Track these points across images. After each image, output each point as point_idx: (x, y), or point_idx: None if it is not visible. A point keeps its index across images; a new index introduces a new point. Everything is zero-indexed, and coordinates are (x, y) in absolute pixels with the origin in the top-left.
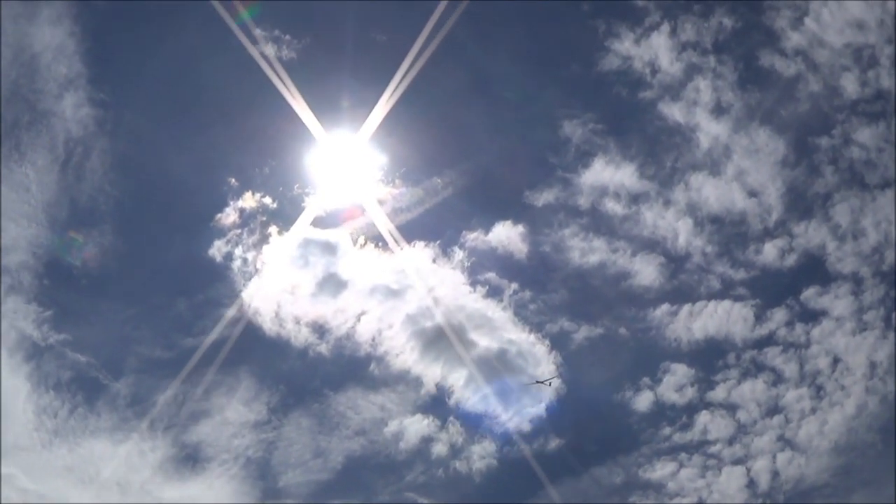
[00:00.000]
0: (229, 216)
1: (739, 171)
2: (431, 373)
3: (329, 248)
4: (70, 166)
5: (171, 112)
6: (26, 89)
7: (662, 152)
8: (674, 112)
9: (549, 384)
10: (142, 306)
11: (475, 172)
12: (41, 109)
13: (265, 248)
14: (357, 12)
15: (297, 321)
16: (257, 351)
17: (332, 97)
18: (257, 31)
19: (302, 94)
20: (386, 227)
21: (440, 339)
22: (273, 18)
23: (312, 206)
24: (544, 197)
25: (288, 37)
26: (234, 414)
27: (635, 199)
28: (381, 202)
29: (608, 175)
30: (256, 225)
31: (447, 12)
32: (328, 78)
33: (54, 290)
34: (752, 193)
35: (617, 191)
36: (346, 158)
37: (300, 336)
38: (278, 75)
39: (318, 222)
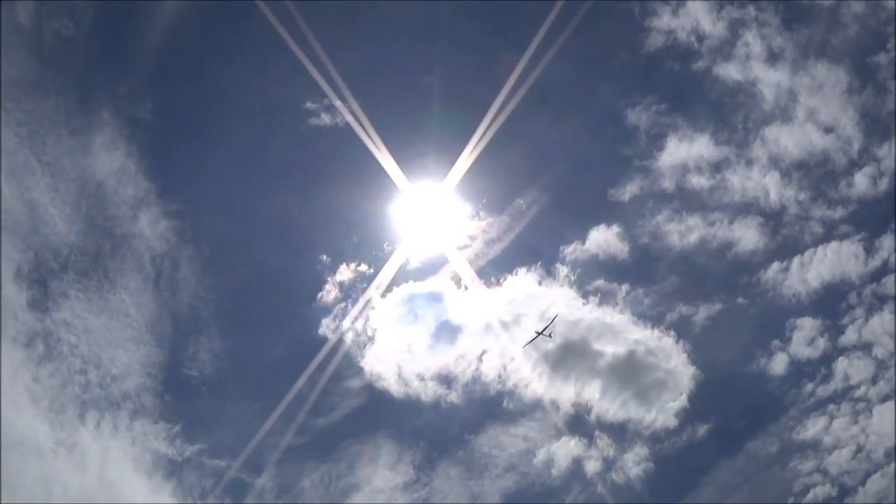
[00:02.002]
0: (330, 292)
1: (809, 111)
2: (565, 393)
3: (434, 298)
4: (162, 281)
5: (249, 205)
6: (100, 218)
7: (731, 114)
8: (730, 72)
9: (550, 335)
10: (266, 398)
11: (555, 185)
12: (120, 234)
13: (372, 313)
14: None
15: (421, 377)
16: (389, 415)
17: (405, 139)
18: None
19: (385, 144)
20: (484, 262)
21: (565, 357)
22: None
23: (408, 261)
24: (629, 190)
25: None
26: (381, 481)
27: (717, 166)
28: (472, 238)
29: (684, 151)
30: (358, 293)
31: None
32: (397, 118)
33: (177, 405)
34: (828, 129)
35: (697, 164)
36: (432, 203)
37: (428, 390)
38: (365, 132)
39: (418, 274)
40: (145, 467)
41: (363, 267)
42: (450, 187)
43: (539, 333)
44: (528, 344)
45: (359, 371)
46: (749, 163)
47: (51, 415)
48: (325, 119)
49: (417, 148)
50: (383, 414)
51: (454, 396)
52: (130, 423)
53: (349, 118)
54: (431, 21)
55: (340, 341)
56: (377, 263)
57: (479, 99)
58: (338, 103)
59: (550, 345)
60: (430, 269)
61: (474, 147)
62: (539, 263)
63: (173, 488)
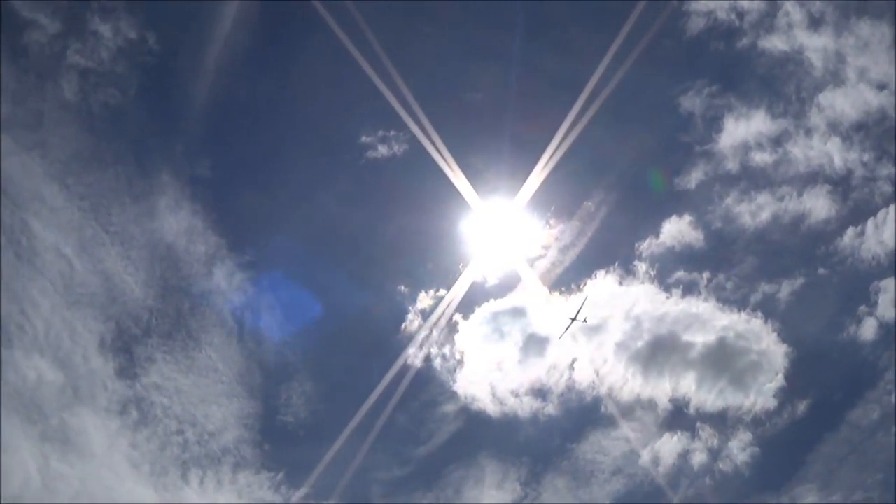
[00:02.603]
0: (413, 322)
1: (860, 70)
2: (661, 389)
3: (517, 312)
4: (245, 333)
5: (322, 245)
6: (175, 279)
7: (782, 85)
8: (775, 43)
9: (585, 319)
10: (364, 434)
11: (621, 183)
12: (197, 292)
13: (457, 336)
14: None
15: (515, 393)
16: (488, 435)
17: (472, 155)
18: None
19: (456, 162)
20: (562, 269)
21: (656, 353)
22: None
23: (486, 279)
24: (694, 177)
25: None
26: (490, 501)
27: (777, 140)
28: (546, 248)
29: (743, 129)
30: (441, 318)
31: None
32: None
33: (278, 452)
34: (881, 86)
35: (757, 140)
36: (503, 217)
37: (524, 406)
38: (436, 149)
39: (497, 291)
40: None
41: (442, 292)
42: (519, 198)
43: (573, 319)
44: (564, 333)
45: (452, 395)
46: (808, 132)
47: (153, 478)
48: (392, 146)
49: (483, 162)
50: (482, 434)
51: (551, 408)
52: (234, 477)
53: (422, 139)
54: (492, 37)
55: (430, 368)
56: (455, 286)
57: (543, 111)
58: (404, 128)
59: (640, 342)
60: (508, 284)
61: (548, 160)
62: (616, 264)
63: None
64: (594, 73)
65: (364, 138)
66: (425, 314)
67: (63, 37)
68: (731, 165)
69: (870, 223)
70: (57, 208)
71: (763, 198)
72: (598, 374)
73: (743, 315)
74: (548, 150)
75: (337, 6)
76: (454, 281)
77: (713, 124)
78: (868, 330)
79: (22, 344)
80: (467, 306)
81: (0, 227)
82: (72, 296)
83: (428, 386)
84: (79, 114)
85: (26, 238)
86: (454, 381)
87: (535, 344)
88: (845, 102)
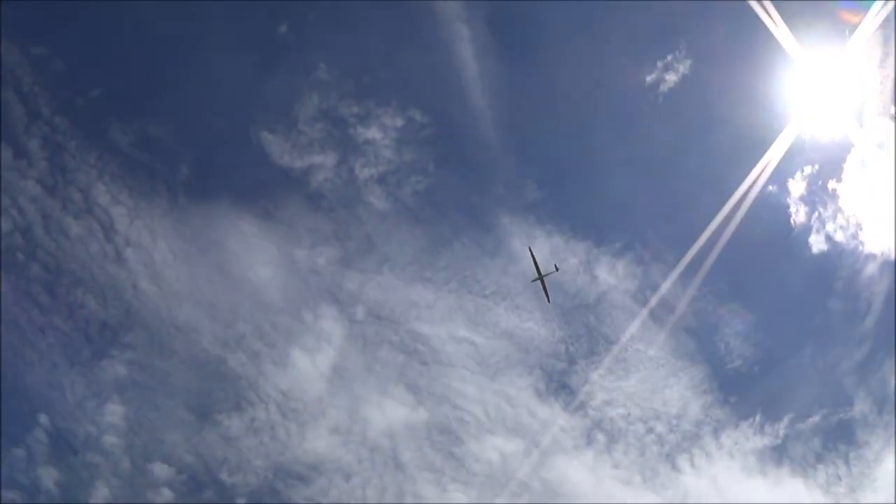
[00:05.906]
0: (798, 211)
1: None
2: None
3: (876, 149)
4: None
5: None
6: (569, 301)
7: None
8: None
9: (556, 267)
10: (812, 337)
11: None
12: (593, 301)
13: (841, 202)
14: None
15: None
16: None
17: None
18: None
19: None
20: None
21: None
22: None
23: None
24: None
25: None
26: None
27: None
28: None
29: None
30: (822, 194)
31: None
32: None
33: (744, 399)
34: None
35: None
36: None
37: None
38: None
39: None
40: None
41: (808, 169)
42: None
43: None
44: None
45: (868, 257)
46: None
47: (648, 484)
48: (676, 68)
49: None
50: None
51: None
52: (718, 442)
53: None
54: None
55: (835, 244)
56: (818, 154)
57: None
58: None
59: None
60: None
61: None
62: None
63: None
64: None
65: (648, 78)
66: (805, 199)
67: (345, 161)
68: None
69: None
70: (432, 305)
71: None
72: None
73: None
74: None
75: None
76: (814, 151)
77: None
78: None
79: (479, 433)
80: (835, 169)
81: (395, 348)
82: (489, 370)
83: (840, 260)
84: (398, 214)
85: (421, 344)
86: (862, 244)
87: None
88: None
